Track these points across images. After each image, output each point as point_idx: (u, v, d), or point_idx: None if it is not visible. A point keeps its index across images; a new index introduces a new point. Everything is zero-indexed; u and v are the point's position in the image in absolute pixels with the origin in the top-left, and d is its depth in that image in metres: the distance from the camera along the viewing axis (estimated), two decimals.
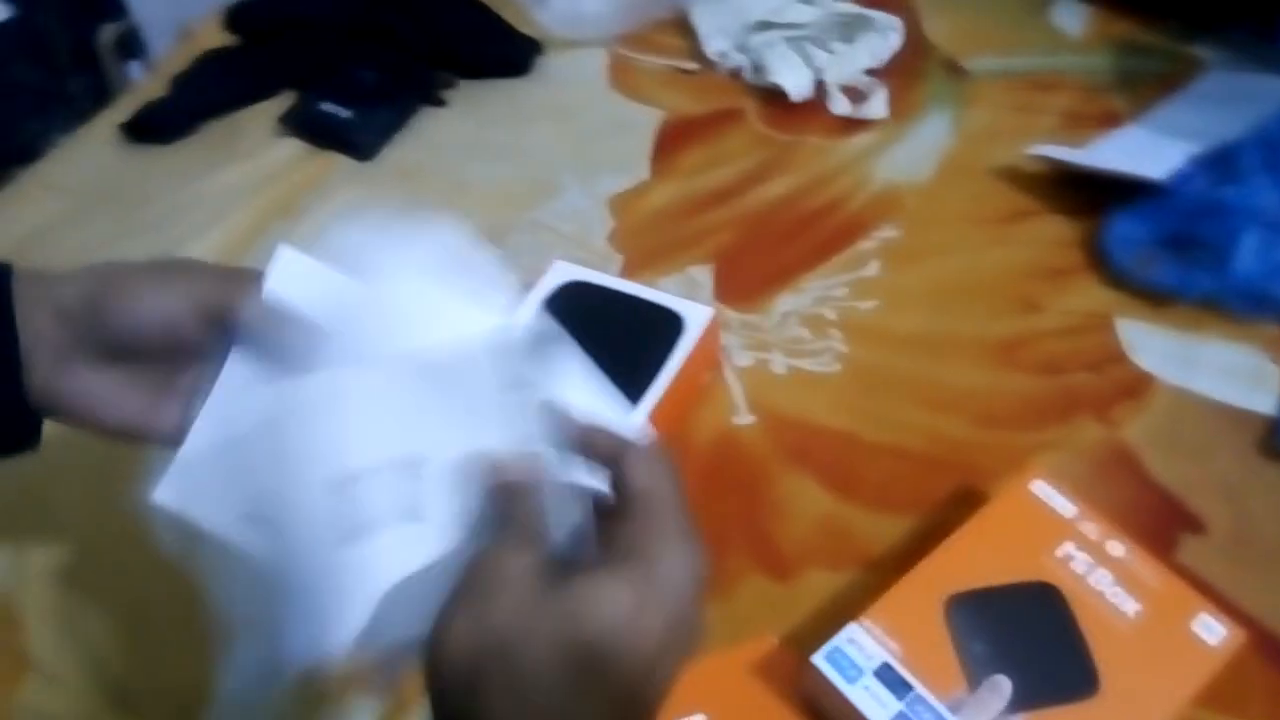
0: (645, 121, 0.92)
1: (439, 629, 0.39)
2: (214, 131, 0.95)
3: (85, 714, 0.57)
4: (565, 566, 0.40)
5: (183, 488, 0.46)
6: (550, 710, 0.37)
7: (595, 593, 0.38)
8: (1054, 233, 0.78)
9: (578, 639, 0.37)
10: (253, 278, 0.48)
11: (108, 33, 1.18)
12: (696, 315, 0.67)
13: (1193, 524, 0.61)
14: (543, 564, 0.40)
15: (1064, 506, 0.57)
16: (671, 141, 0.90)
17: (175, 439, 0.48)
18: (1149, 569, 0.54)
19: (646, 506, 0.40)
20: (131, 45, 1.21)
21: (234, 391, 0.47)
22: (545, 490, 0.42)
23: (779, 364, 0.71)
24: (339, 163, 0.91)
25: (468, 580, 0.40)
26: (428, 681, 0.39)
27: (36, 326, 0.46)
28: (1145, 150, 0.81)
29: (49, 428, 0.48)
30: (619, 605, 0.37)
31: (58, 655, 0.59)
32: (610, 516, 0.41)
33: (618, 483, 0.41)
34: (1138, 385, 0.68)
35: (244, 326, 0.47)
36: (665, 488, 0.41)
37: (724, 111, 0.92)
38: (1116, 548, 0.55)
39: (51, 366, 0.46)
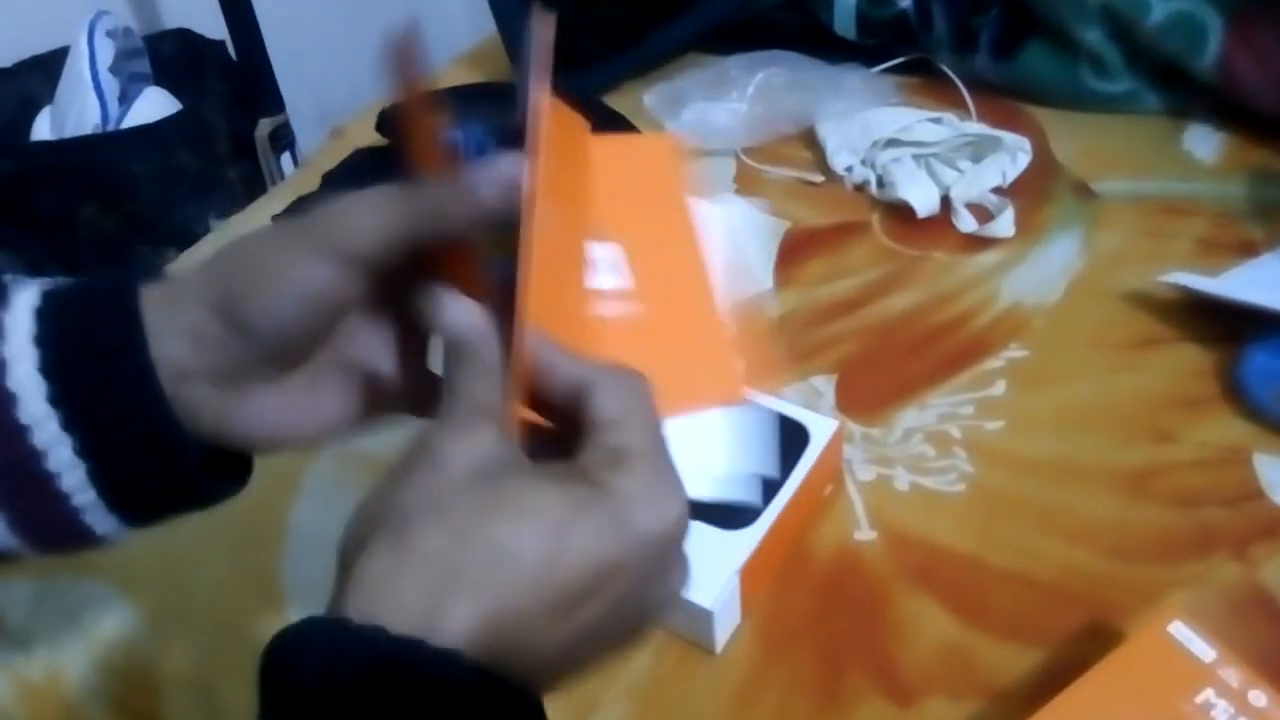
0: (769, 230, 0.94)
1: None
2: None
3: None
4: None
5: None
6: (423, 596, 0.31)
7: (524, 497, 0.33)
8: (1187, 361, 0.77)
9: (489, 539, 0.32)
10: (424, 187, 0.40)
11: (264, 127, 1.27)
12: (821, 428, 0.68)
13: None
14: (487, 454, 0.34)
15: (1203, 650, 0.55)
16: (795, 251, 0.91)
17: (412, 408, 0.43)
18: None
19: (616, 439, 0.34)
20: (284, 138, 1.30)
21: None
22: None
23: (902, 480, 0.71)
24: None
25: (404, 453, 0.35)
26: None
27: (172, 359, 0.38)
28: None
29: None
30: (546, 518, 0.32)
31: None
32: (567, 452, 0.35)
33: (582, 416, 0.35)
34: (1277, 524, 0.66)
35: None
36: (641, 416, 0.35)
37: (848, 224, 0.94)
38: (1259, 698, 0.53)
39: (214, 399, 0.39)
